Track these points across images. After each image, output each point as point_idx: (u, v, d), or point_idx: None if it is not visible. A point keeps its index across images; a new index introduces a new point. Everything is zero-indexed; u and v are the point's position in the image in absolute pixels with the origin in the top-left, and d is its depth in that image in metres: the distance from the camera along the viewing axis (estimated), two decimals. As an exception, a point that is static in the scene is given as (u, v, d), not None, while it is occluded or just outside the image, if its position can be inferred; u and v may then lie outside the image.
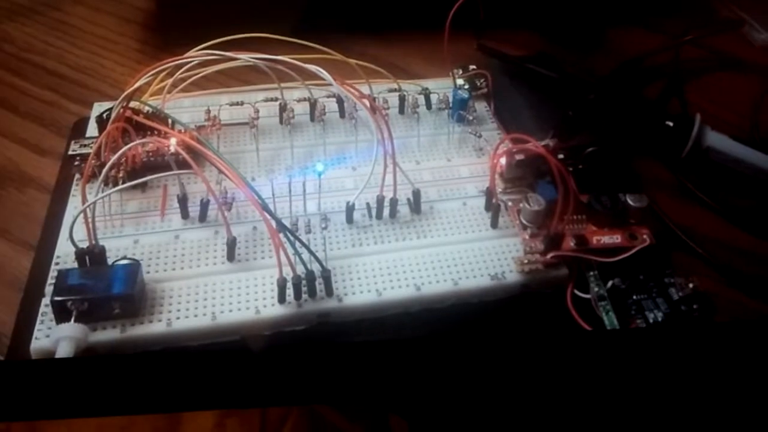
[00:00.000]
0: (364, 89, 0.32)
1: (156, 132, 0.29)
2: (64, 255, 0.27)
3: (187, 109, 0.33)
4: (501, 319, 0.27)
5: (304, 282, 0.26)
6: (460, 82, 0.35)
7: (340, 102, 0.33)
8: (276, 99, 0.33)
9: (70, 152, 0.31)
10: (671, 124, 0.34)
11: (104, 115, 0.31)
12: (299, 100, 0.33)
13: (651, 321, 0.27)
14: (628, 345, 0.26)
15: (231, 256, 0.27)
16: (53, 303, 0.24)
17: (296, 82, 0.31)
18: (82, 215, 0.26)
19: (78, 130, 0.33)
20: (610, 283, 0.28)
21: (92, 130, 0.32)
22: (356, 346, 0.26)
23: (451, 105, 0.33)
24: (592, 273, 0.28)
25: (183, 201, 0.28)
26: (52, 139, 0.34)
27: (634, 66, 0.36)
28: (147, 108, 0.30)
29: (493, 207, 0.29)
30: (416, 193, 0.29)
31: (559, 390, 0.24)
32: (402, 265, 0.27)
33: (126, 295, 0.25)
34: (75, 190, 0.30)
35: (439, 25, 0.32)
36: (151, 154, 0.30)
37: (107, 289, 0.25)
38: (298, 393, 0.23)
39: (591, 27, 0.42)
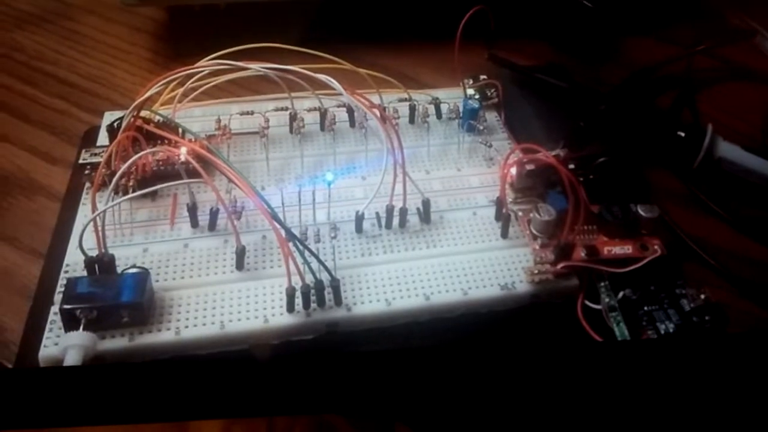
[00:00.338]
0: (375, 99, 0.32)
1: (166, 141, 0.30)
2: (73, 263, 0.27)
3: (197, 118, 0.33)
4: (511, 330, 0.27)
5: (312, 291, 0.25)
6: (470, 92, 0.35)
7: (350, 111, 0.33)
8: (286, 108, 0.33)
9: (80, 161, 0.31)
10: (683, 134, 0.33)
11: (115, 124, 0.31)
12: (309, 110, 0.33)
13: (662, 332, 0.27)
14: (640, 356, 0.26)
15: (240, 265, 0.27)
16: (62, 311, 0.24)
17: (306, 92, 0.31)
18: (91, 224, 0.26)
19: (89, 139, 0.33)
20: (621, 294, 0.27)
21: (103, 138, 0.32)
22: (364, 355, 0.25)
23: (461, 115, 0.33)
24: (603, 284, 0.28)
25: (192, 210, 0.28)
26: (63, 147, 0.34)
27: (645, 76, 0.36)
28: (157, 117, 0.31)
29: (503, 217, 0.29)
30: (426, 203, 0.29)
31: (568, 401, 0.24)
32: (411, 275, 0.27)
33: (135, 303, 0.25)
34: (85, 199, 0.30)
35: (450, 36, 0.32)
36: (161, 163, 0.30)
37: (116, 298, 0.25)
38: (305, 402, 0.22)
39: (602, 37, 0.42)
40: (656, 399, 0.24)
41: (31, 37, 0.42)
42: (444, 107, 0.34)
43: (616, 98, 0.34)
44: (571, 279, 0.28)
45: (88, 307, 0.24)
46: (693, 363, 0.25)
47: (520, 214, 0.29)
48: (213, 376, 0.24)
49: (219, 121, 0.32)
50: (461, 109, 0.33)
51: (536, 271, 0.27)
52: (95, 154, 0.31)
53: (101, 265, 0.26)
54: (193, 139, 0.30)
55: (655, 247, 0.28)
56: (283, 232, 0.25)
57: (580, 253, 0.28)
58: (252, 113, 0.33)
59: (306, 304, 0.25)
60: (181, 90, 0.31)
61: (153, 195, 0.30)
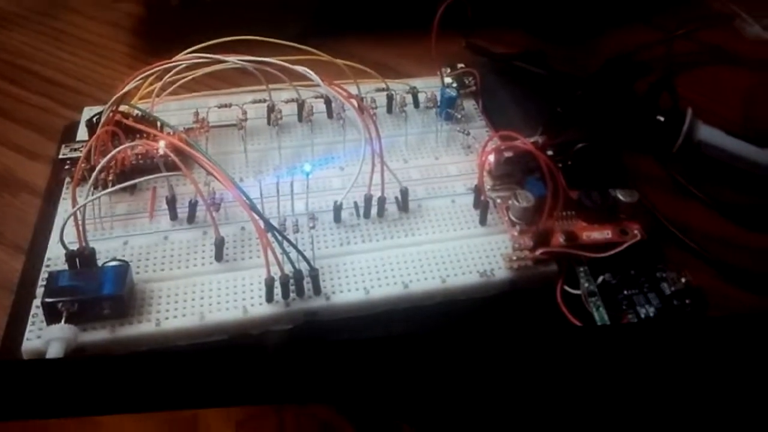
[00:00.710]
0: (352, 89, 0.32)
1: (145, 135, 0.30)
2: (54, 257, 0.27)
3: (175, 112, 0.33)
4: (490, 317, 0.27)
5: (292, 281, 0.26)
6: (448, 80, 0.35)
7: (327, 102, 0.33)
8: (264, 100, 0.33)
9: (60, 156, 0.31)
10: (662, 118, 0.34)
11: (94, 119, 0.31)
12: (287, 101, 0.33)
13: (642, 316, 0.27)
14: (619, 341, 0.26)
15: (219, 256, 0.27)
16: (44, 304, 0.24)
17: (284, 84, 0.31)
18: (72, 218, 0.26)
19: (69, 134, 0.33)
20: (600, 279, 0.28)
21: (83, 134, 0.32)
22: (342, 344, 0.26)
23: (439, 103, 0.33)
24: (582, 269, 0.28)
25: (172, 202, 0.28)
26: (44, 143, 0.34)
27: (623, 61, 0.36)
28: (136, 111, 0.31)
29: (481, 204, 0.29)
30: (404, 192, 0.29)
31: (549, 387, 0.24)
32: (390, 264, 0.27)
33: (115, 296, 0.25)
34: (65, 194, 0.30)
35: (428, 25, 0.32)
36: (140, 156, 0.30)
37: (97, 291, 0.25)
38: (280, 391, 0.23)
39: (580, 23, 0.42)
40: (637, 384, 0.24)
41: (14, 36, 0.42)
42: (422, 96, 0.34)
43: (594, 84, 0.34)
44: (550, 265, 0.28)
45: (69, 300, 0.24)
46: (674, 347, 0.25)
47: (498, 201, 0.30)
48: (193, 366, 0.24)
49: (197, 114, 0.32)
50: (439, 98, 0.34)
51: (515, 258, 0.27)
52: (75, 150, 0.31)
53: (82, 259, 0.26)
54: (171, 133, 0.30)
55: (635, 231, 0.28)
56: (261, 223, 0.25)
57: (559, 238, 0.28)
58: (230, 106, 0.33)
59: (285, 293, 0.26)
60: (159, 84, 0.31)
61: (132, 189, 0.30)
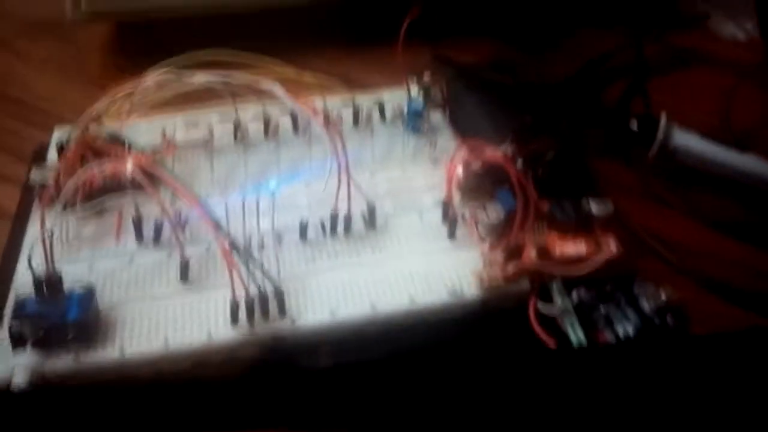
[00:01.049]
0: (319, 104, 0.31)
1: (113, 156, 0.30)
2: (22, 282, 0.27)
3: (144, 132, 0.33)
4: (462, 340, 0.26)
5: (257, 303, 0.25)
6: (414, 92, 0.34)
7: (294, 118, 0.33)
8: (231, 118, 0.33)
9: (29, 178, 0.31)
10: (635, 124, 0.33)
11: (64, 141, 0.31)
12: (254, 118, 0.33)
13: (620, 334, 0.26)
14: (598, 363, 0.25)
15: (184, 278, 0.27)
16: (9, 331, 0.24)
17: (252, 99, 0.31)
18: (39, 242, 0.26)
19: (39, 156, 0.33)
20: (574, 293, 0.27)
21: (53, 155, 0.32)
22: (308, 372, 0.25)
23: (405, 116, 0.33)
24: (555, 284, 0.27)
25: (137, 224, 0.28)
26: (15, 165, 0.34)
27: (593, 67, 0.36)
28: (104, 133, 0.31)
29: (450, 218, 0.29)
30: (371, 207, 0.29)
31: (522, 411, 0.23)
32: (357, 283, 0.27)
33: (79, 322, 0.25)
34: (34, 217, 0.30)
35: (394, 36, 0.31)
36: (108, 178, 0.30)
37: (62, 317, 0.25)
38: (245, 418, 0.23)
39: (549, 30, 0.42)
40: (615, 410, 0.23)
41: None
42: (388, 108, 0.34)
43: (563, 91, 0.34)
44: (522, 282, 0.27)
45: (34, 326, 0.24)
46: (657, 369, 0.24)
47: (467, 214, 0.29)
48: (158, 397, 0.24)
49: (164, 134, 0.32)
50: (405, 110, 0.33)
51: (485, 276, 0.26)
52: (45, 172, 0.31)
53: (48, 284, 0.26)
54: (138, 153, 0.30)
55: (610, 244, 0.27)
56: (226, 243, 0.25)
57: (531, 253, 0.27)
58: (197, 124, 0.33)
59: (250, 316, 0.25)
60: (127, 105, 0.31)
61: (100, 211, 0.30)
